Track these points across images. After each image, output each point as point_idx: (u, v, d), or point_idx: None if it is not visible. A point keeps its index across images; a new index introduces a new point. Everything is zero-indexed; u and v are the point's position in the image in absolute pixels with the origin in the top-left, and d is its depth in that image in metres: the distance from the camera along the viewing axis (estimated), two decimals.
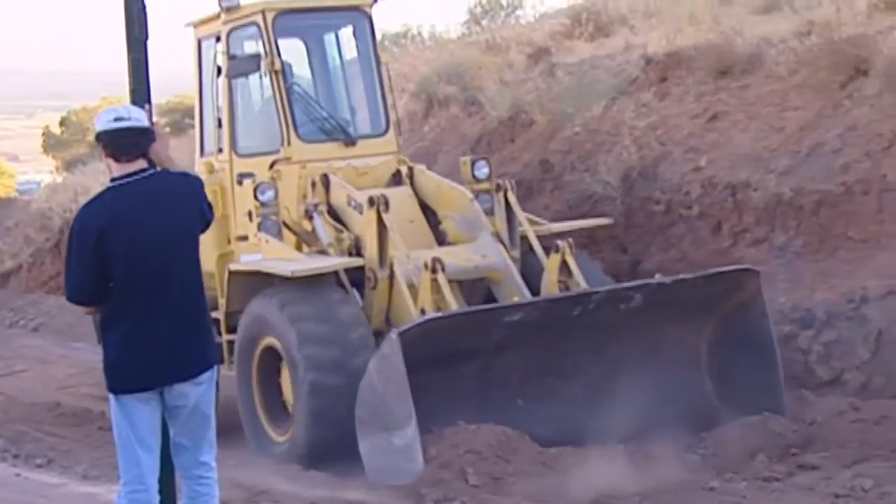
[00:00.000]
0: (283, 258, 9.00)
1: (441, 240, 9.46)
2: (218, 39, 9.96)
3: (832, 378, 8.72)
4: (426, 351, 7.39)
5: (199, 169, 10.16)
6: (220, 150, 9.99)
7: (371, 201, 8.71)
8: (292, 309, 8.46)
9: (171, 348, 5.18)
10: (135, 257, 5.10)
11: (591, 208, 10.80)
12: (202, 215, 5.42)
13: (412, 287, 8.59)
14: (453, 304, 8.34)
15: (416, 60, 16.71)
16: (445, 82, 14.87)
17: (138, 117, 5.26)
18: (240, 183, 9.59)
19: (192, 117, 11.78)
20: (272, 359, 8.81)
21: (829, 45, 10.30)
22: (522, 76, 13.82)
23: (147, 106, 5.61)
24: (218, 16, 9.92)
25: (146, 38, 5.80)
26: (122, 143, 5.17)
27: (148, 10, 5.80)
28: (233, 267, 9.34)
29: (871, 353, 8.57)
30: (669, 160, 10.75)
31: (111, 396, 5.25)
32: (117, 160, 5.19)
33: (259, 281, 8.91)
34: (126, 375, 5.19)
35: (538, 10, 20.40)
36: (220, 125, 9.96)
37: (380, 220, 8.69)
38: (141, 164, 5.21)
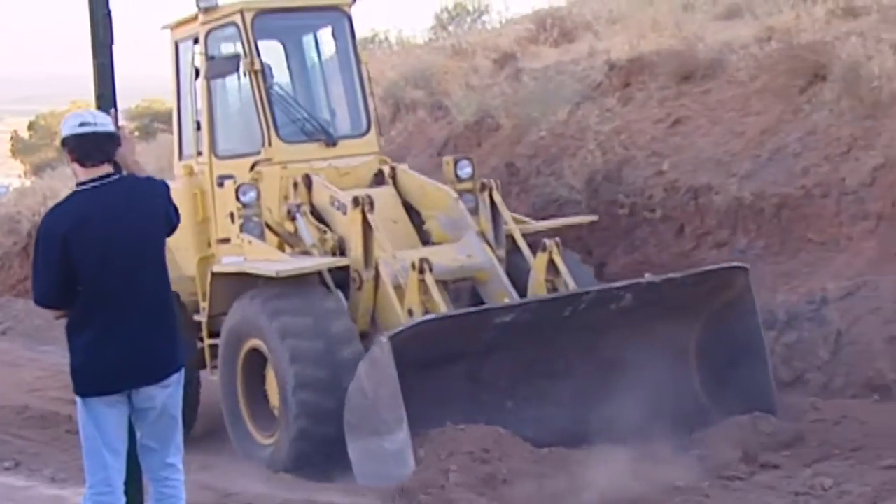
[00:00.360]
0: (266, 259, 8.88)
1: (425, 240, 9.35)
2: (196, 41, 9.82)
3: (793, 378, 8.79)
4: (416, 354, 7.30)
5: (179, 172, 10.08)
6: (200, 153, 9.87)
7: (356, 201, 8.61)
8: (277, 310, 8.33)
9: (138, 351, 5.20)
10: (101, 261, 5.11)
11: (557, 211, 10.81)
12: (168, 219, 5.43)
13: (398, 288, 8.48)
14: (441, 305, 8.23)
15: (384, 65, 16.67)
16: (412, 87, 14.89)
17: (104, 122, 5.27)
18: (220, 185, 9.47)
19: (161, 121, 11.74)
20: (257, 360, 8.69)
21: (789, 50, 10.43)
22: (488, 81, 13.84)
23: (113, 110, 5.63)
24: (195, 17, 9.79)
25: (111, 42, 5.82)
26: (88, 147, 5.18)
27: (113, 14, 5.83)
28: (216, 268, 9.19)
29: (831, 353, 8.67)
30: (633, 164, 10.83)
31: (78, 399, 5.26)
32: (83, 165, 5.20)
33: (242, 283, 8.79)
34: (93, 378, 5.20)
35: (504, 16, 20.37)
36: (198, 128, 9.82)
37: (365, 221, 8.59)
38: (107, 168, 5.22)
